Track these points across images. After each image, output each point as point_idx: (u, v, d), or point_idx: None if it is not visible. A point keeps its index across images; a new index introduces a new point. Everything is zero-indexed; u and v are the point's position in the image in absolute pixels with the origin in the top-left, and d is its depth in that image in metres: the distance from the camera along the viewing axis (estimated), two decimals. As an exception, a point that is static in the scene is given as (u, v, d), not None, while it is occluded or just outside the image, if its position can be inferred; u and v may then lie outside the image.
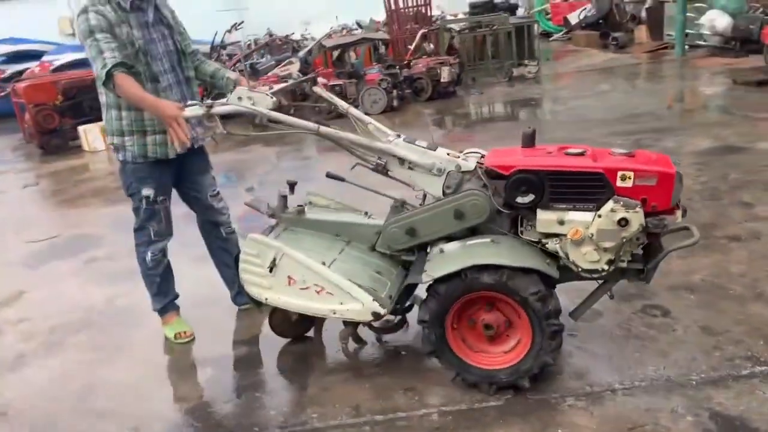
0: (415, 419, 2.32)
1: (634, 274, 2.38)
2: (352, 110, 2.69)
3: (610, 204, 2.23)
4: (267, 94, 2.56)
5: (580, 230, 2.27)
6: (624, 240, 2.25)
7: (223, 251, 3.30)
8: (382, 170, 2.59)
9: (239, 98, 2.55)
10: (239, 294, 3.10)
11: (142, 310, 3.46)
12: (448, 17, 13.57)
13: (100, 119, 8.44)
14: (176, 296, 3.27)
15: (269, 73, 10.51)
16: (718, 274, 3.06)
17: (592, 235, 2.25)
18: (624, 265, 2.32)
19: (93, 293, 3.81)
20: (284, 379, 2.70)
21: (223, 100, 2.61)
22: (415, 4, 11.77)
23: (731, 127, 5.75)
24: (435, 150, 2.54)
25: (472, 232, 2.46)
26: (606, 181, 2.25)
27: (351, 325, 2.62)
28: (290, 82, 3.24)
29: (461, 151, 2.61)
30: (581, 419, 2.20)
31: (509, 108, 8.32)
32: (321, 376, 2.67)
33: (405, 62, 10.01)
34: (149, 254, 3.08)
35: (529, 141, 2.49)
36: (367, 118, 2.64)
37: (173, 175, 3.00)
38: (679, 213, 2.31)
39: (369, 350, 2.79)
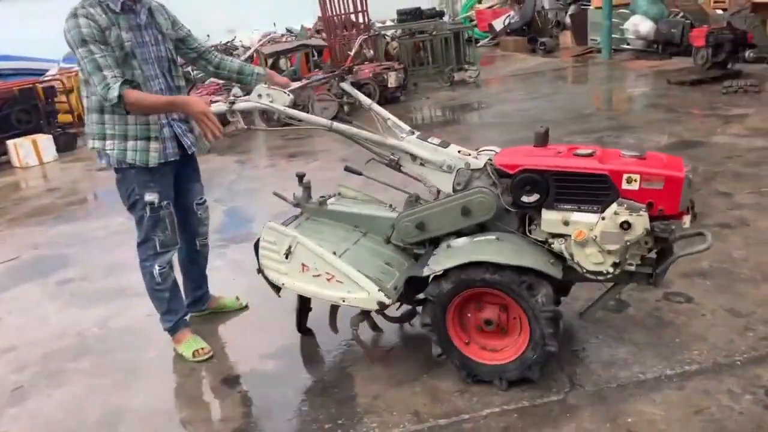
0: (480, 420, 2.29)
1: (643, 278, 2.39)
2: (375, 106, 2.79)
3: (614, 206, 2.24)
4: (285, 92, 2.64)
5: (584, 231, 2.28)
6: (628, 243, 2.25)
7: (190, 262, 3.21)
8: (395, 166, 2.64)
9: (259, 95, 2.61)
10: (191, 304, 3.20)
11: (142, 329, 3.28)
12: (377, 24, 13.65)
13: (29, 132, 7.97)
14: (186, 312, 3.10)
15: (206, 82, 10.20)
16: (723, 260, 3.23)
17: (596, 237, 2.26)
18: (632, 268, 2.33)
19: (79, 316, 3.53)
20: (326, 390, 2.59)
21: (246, 97, 2.66)
22: (351, 10, 11.77)
23: (680, 123, 6.10)
24: (446, 147, 2.58)
25: (482, 228, 2.50)
26: (611, 183, 2.26)
27: (363, 313, 2.60)
28: (312, 79, 3.20)
29: (476, 149, 2.64)
30: (647, 407, 2.25)
31: (460, 111, 8.46)
32: (365, 385, 2.58)
33: (346, 68, 9.99)
34: (156, 268, 2.92)
35: (542, 140, 2.51)
36: (386, 114, 2.73)
37: (172, 180, 2.90)
38: (687, 218, 2.29)
39: (403, 355, 2.73)
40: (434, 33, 11.21)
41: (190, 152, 2.91)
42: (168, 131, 2.77)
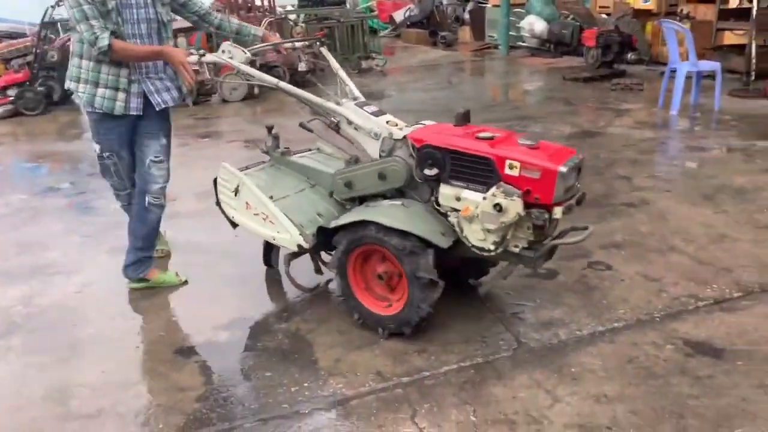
0: (440, 377, 2.44)
1: (527, 261, 2.55)
2: (341, 72, 3.15)
3: (493, 189, 2.40)
4: (243, 51, 2.87)
5: (471, 208, 2.46)
6: (503, 224, 2.39)
7: (138, 219, 3.22)
8: (335, 128, 2.87)
9: (222, 51, 2.86)
10: (132, 265, 3.24)
11: (74, 306, 3.16)
12: (278, 8, 13.47)
13: None
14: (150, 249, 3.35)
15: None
16: (633, 233, 3.62)
17: (478, 215, 2.44)
18: (516, 250, 2.50)
19: (-3, 295, 3.29)
20: (287, 357, 2.63)
21: (213, 53, 2.90)
22: (256, -9, 11.54)
23: (579, 115, 6.63)
24: (379, 117, 2.78)
25: (401, 194, 2.73)
26: (494, 167, 2.42)
27: (292, 253, 2.89)
28: (287, 41, 3.36)
29: (418, 122, 2.83)
30: (587, 358, 2.51)
31: (372, 98, 8.55)
32: (325, 350, 2.65)
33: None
34: (118, 204, 3.47)
35: (462, 120, 2.70)
36: (347, 80, 3.08)
37: (128, 133, 3.08)
38: (559, 210, 2.39)
39: (359, 323, 2.83)
40: (341, 20, 11.27)
41: (158, 109, 3.05)
42: (136, 87, 2.96)
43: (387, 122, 2.76)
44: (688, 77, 6.42)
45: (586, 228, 2.61)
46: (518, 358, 2.53)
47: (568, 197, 2.45)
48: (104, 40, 2.72)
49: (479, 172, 2.47)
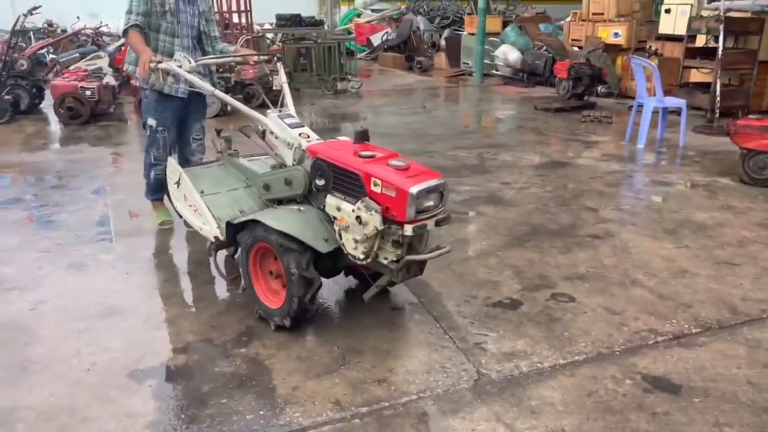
0: (399, 407, 2.41)
1: (393, 274, 2.71)
2: (285, 86, 3.46)
3: (358, 203, 2.64)
4: (189, 60, 3.34)
5: (345, 218, 2.70)
6: (366, 236, 2.61)
7: None
8: (262, 135, 3.18)
9: (175, 60, 3.36)
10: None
11: (26, 324, 3.05)
12: (256, 26, 13.50)
13: None
14: (161, 197, 4.15)
15: (72, 67, 9.48)
16: (597, 266, 3.65)
17: (348, 226, 2.67)
18: (385, 262, 2.70)
19: (-55, 310, 3.16)
20: (243, 383, 2.57)
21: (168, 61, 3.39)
22: (234, 9, 11.55)
23: (549, 145, 6.73)
24: (295, 129, 3.04)
25: (306, 200, 2.99)
26: (361, 182, 2.66)
27: (213, 243, 3.22)
28: (240, 54, 3.84)
29: (337, 138, 3.15)
30: (547, 392, 2.50)
31: (346, 120, 8.62)
32: (284, 376, 2.60)
33: (225, 67, 9.75)
34: (152, 173, 4.06)
35: (360, 138, 2.92)
36: (287, 94, 3.41)
37: (175, 113, 3.91)
38: (409, 227, 2.57)
39: (316, 348, 2.79)
40: (319, 41, 11.33)
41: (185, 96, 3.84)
42: (183, 79, 3.56)
43: (300, 134, 3.01)
44: (655, 112, 6.58)
45: (446, 249, 2.79)
46: (479, 390, 2.52)
47: (424, 217, 2.62)
48: (124, 26, 3.63)
49: (352, 186, 2.71)
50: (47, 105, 8.70)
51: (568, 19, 11.45)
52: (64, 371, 2.65)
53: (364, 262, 2.71)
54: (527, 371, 2.63)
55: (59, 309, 3.19)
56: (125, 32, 3.67)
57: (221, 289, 3.35)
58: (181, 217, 3.51)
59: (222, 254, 3.38)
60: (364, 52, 16.38)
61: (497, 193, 5.02)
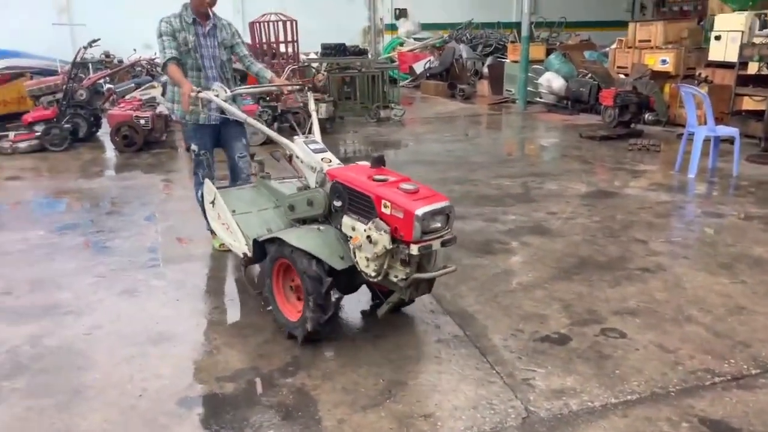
0: (447, 444, 2.38)
1: (402, 291, 2.89)
2: (314, 114, 3.78)
3: (369, 223, 2.82)
4: (225, 90, 3.70)
5: (358, 238, 2.88)
6: (377, 255, 2.78)
7: None
8: (289, 159, 3.48)
9: (212, 90, 3.71)
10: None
11: (81, 349, 3.13)
12: (302, 56, 13.81)
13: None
14: None
15: (127, 97, 9.87)
16: (648, 301, 3.55)
17: (361, 245, 2.85)
18: (395, 280, 2.86)
19: (7, 333, 3.28)
20: (290, 414, 2.58)
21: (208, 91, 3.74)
22: (282, 39, 11.84)
23: (595, 174, 6.64)
24: (318, 153, 3.28)
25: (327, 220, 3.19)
26: (373, 204, 2.85)
27: (243, 258, 3.48)
28: (274, 84, 4.12)
29: (357, 163, 3.34)
30: None
31: (389, 148, 8.68)
32: (329, 408, 2.60)
33: (272, 95, 9.98)
34: (200, 192, 4.16)
35: (376, 163, 3.11)
36: (315, 123, 3.70)
37: (213, 137, 4.25)
38: (415, 247, 2.72)
39: (362, 380, 2.78)
40: (362, 69, 11.51)
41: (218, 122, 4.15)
42: (214, 105, 3.77)
43: (322, 158, 3.24)
44: (706, 141, 6.43)
45: (453, 268, 2.96)
46: (527, 429, 2.47)
47: (430, 238, 2.76)
48: (162, 60, 4.02)
49: (364, 207, 2.90)
50: (103, 133, 9.06)
51: (614, 46, 11.36)
52: (116, 397, 2.72)
53: (375, 280, 2.88)
54: (577, 410, 2.57)
55: (113, 334, 3.28)
56: (164, 66, 4.01)
57: (268, 317, 3.40)
58: (214, 234, 3.83)
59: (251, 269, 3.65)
60: (407, 80, 16.54)
61: (543, 224, 4.97)
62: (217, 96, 3.63)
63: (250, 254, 3.33)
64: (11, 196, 6.19)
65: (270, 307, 3.24)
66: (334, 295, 3.10)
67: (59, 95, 8.49)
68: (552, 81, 11.56)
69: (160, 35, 4.00)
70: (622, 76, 10.46)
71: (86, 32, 14.07)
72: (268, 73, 4.19)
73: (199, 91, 3.64)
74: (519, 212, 5.27)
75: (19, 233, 4.90)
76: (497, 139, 9.45)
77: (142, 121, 8.05)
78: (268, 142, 8.42)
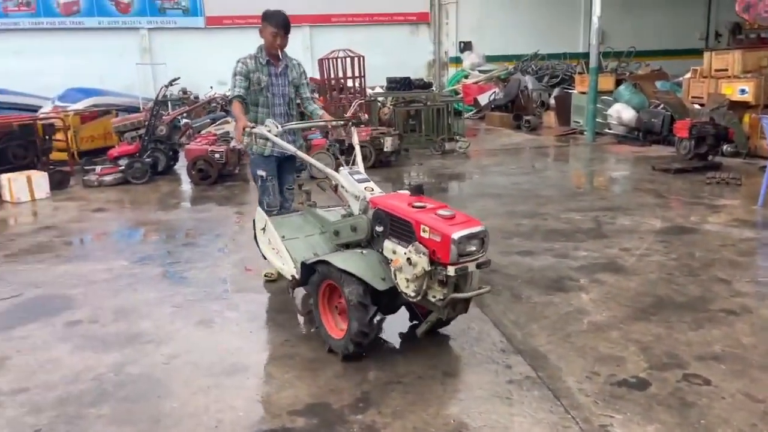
0: (521, 491, 2.31)
1: (439, 311, 3.08)
2: (357, 147, 4.04)
3: (410, 246, 3.01)
4: (276, 126, 3.88)
5: (399, 260, 3.06)
6: (416, 276, 2.97)
7: None
8: (334, 189, 3.75)
9: (266, 125, 3.90)
10: None
11: (161, 378, 3.24)
12: (368, 89, 14.08)
13: (25, 168, 7.89)
14: None
15: (203, 132, 10.32)
16: (734, 345, 3.37)
17: (402, 267, 3.03)
18: (434, 300, 3.04)
19: (93, 360, 3.45)
20: (361, 452, 2.59)
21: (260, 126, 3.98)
22: (349, 75, 12.15)
23: (671, 209, 6.41)
24: (362, 183, 3.53)
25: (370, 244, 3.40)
26: (412, 229, 3.06)
27: (291, 281, 3.72)
28: (321, 120, 4.45)
29: (397, 191, 3.56)
30: (683, 485, 2.31)
31: (454, 180, 8.70)
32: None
33: (352, 116, 10.17)
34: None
35: (415, 191, 3.34)
36: (359, 154, 3.98)
37: (276, 167, 4.52)
38: (452, 269, 2.92)
39: (433, 412, 2.76)
40: (428, 103, 11.64)
41: (286, 155, 4.41)
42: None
43: (365, 188, 3.49)
44: (792, 174, 6.11)
45: (487, 288, 3.15)
46: (606, 478, 2.37)
47: (466, 261, 2.95)
48: (231, 97, 4.30)
49: (405, 232, 3.12)
50: (180, 166, 9.49)
51: (688, 75, 11.03)
52: (193, 427, 2.80)
53: (415, 300, 3.07)
54: (660, 461, 2.45)
55: (190, 364, 3.39)
56: (230, 102, 4.42)
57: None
58: (265, 258, 4.04)
59: (299, 292, 3.92)
60: (471, 112, 16.57)
61: (617, 260, 4.82)
62: (269, 131, 3.84)
63: (297, 276, 3.56)
64: (97, 227, 6.55)
65: (316, 327, 3.47)
66: (376, 318, 3.23)
67: (142, 131, 8.99)
68: (622, 112, 11.32)
69: (234, 74, 4.30)
70: (697, 106, 10.14)
71: (166, 71, 14.97)
72: (320, 111, 4.50)
73: (252, 127, 3.90)
74: (591, 248, 5.14)
75: (103, 263, 5.17)
76: (566, 172, 9.29)
77: (217, 155, 8.40)
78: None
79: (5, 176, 7.61)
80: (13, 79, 14.45)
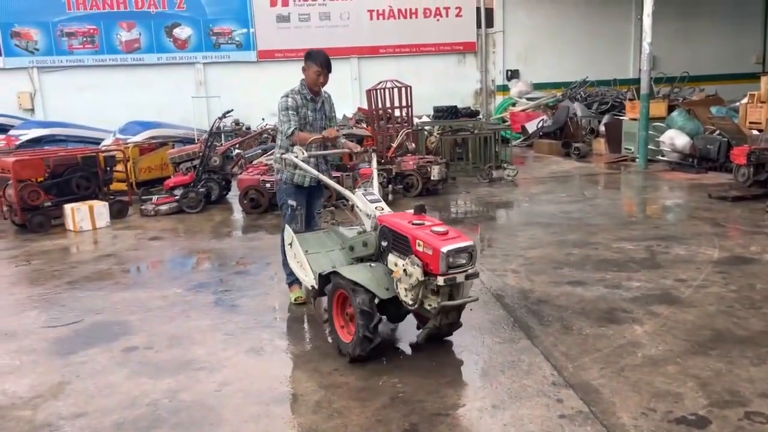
0: None
1: (433, 317, 3.47)
2: (375, 173, 4.57)
3: (407, 259, 3.41)
4: (303, 152, 4.34)
5: (398, 272, 3.46)
6: (412, 285, 3.36)
7: None
8: (350, 209, 4.29)
9: (293, 152, 4.37)
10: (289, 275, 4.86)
11: (213, 405, 3.30)
12: (415, 119, 14.16)
13: (87, 198, 8.26)
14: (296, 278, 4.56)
15: (255, 162, 10.60)
16: (800, 383, 3.22)
17: (401, 278, 3.42)
18: (430, 308, 3.43)
19: (148, 386, 3.55)
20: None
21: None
22: (396, 104, 12.29)
23: (729, 238, 6.19)
24: (373, 203, 3.94)
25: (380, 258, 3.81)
26: (409, 243, 3.46)
27: (311, 291, 4.20)
28: (335, 151, 4.92)
29: (405, 211, 3.90)
30: None
31: (502, 209, 8.64)
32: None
33: (387, 159, 10.29)
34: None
35: (418, 210, 3.70)
36: (376, 178, 4.48)
37: (306, 196, 4.82)
38: (440, 279, 3.31)
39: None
40: (475, 131, 11.65)
41: (316, 183, 4.78)
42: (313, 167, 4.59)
43: (376, 207, 3.90)
44: None
45: (474, 297, 3.62)
46: None
47: (455, 272, 3.34)
48: (290, 129, 4.56)
49: (404, 246, 3.51)
50: (232, 195, 9.75)
51: (744, 101, 10.73)
52: (244, 455, 2.84)
53: (413, 307, 3.45)
54: (722, 504, 2.35)
55: (241, 392, 3.45)
56: (292, 134, 4.59)
57: (388, 382, 3.43)
58: (290, 288, 4.64)
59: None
60: (519, 140, 16.48)
61: (672, 292, 4.68)
62: (296, 157, 4.32)
63: (316, 287, 3.97)
64: (153, 255, 6.78)
65: (331, 330, 3.85)
66: (381, 326, 3.59)
67: (196, 162, 9.30)
68: (675, 138, 11.05)
69: (287, 108, 4.58)
70: (755, 132, 9.83)
71: (220, 103, 15.49)
72: (343, 140, 4.84)
73: (282, 154, 4.48)
74: (644, 278, 5.00)
75: (159, 290, 5.34)
76: (617, 200, 9.11)
77: (268, 185, 8.60)
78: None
79: (69, 206, 7.98)
80: (78, 113, 15.23)
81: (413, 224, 3.53)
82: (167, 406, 3.31)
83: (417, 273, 3.31)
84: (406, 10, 18.00)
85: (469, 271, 3.39)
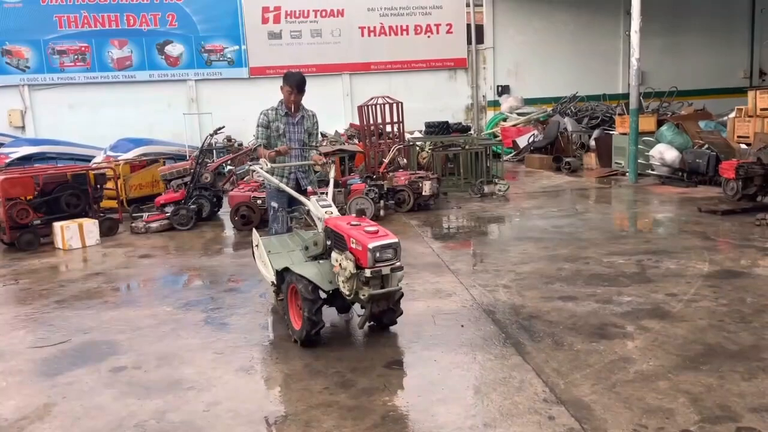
0: None
1: (366, 305, 3.97)
2: (332, 181, 5.08)
3: (342, 255, 3.93)
4: (266, 162, 4.95)
5: (337, 266, 3.97)
6: (346, 278, 3.86)
7: None
8: (308, 214, 4.80)
9: (258, 164, 5.00)
10: None
11: (201, 425, 3.28)
12: (406, 134, 14.20)
13: (77, 216, 8.22)
14: None
15: (246, 178, 10.58)
16: (790, 397, 3.21)
17: (339, 271, 3.93)
18: (364, 299, 3.89)
19: (135, 407, 3.50)
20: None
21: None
22: (388, 120, 12.34)
23: (719, 252, 6.21)
24: (323, 207, 4.41)
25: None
26: (344, 241, 3.97)
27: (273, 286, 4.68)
28: (298, 163, 5.46)
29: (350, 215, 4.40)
30: None
31: (494, 224, 8.64)
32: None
33: (379, 174, 10.31)
34: None
35: (358, 214, 4.24)
36: (331, 189, 4.97)
37: (287, 200, 5.30)
38: (368, 271, 3.80)
39: None
40: (466, 147, 11.70)
41: (303, 188, 5.45)
42: (292, 176, 5.41)
43: (326, 211, 4.35)
44: None
45: (398, 288, 4.07)
46: None
47: (382, 265, 3.83)
48: (255, 145, 5.36)
49: (341, 244, 4.01)
50: (223, 212, 9.72)
51: (732, 115, 10.84)
52: (233, 476, 2.79)
53: (350, 297, 3.95)
54: None
55: (230, 412, 3.41)
56: (256, 149, 5.35)
57: (378, 400, 3.40)
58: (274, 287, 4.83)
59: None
60: (510, 155, 16.55)
61: (663, 306, 4.68)
62: (261, 168, 4.90)
63: (275, 282, 4.51)
64: (143, 273, 6.73)
65: (286, 315, 4.33)
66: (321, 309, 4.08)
67: (187, 178, 9.27)
68: (664, 153, 11.14)
69: (258, 125, 5.35)
70: (743, 146, 9.92)
71: (212, 120, 15.49)
72: (313, 152, 5.43)
73: (250, 165, 4.91)
74: (635, 293, 5.01)
75: (148, 309, 5.29)
76: (608, 214, 9.15)
77: (259, 201, 8.58)
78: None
79: (58, 224, 7.92)
80: (69, 131, 15.17)
81: (350, 225, 4.03)
82: (155, 428, 3.27)
83: (350, 266, 3.81)
84: (397, 26, 18.13)
85: (395, 264, 3.88)
